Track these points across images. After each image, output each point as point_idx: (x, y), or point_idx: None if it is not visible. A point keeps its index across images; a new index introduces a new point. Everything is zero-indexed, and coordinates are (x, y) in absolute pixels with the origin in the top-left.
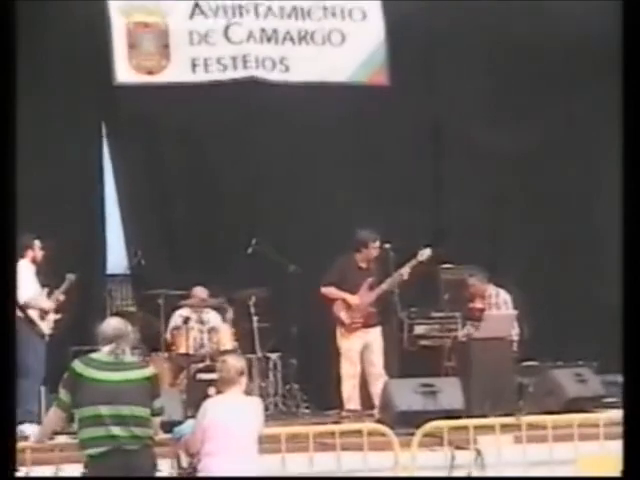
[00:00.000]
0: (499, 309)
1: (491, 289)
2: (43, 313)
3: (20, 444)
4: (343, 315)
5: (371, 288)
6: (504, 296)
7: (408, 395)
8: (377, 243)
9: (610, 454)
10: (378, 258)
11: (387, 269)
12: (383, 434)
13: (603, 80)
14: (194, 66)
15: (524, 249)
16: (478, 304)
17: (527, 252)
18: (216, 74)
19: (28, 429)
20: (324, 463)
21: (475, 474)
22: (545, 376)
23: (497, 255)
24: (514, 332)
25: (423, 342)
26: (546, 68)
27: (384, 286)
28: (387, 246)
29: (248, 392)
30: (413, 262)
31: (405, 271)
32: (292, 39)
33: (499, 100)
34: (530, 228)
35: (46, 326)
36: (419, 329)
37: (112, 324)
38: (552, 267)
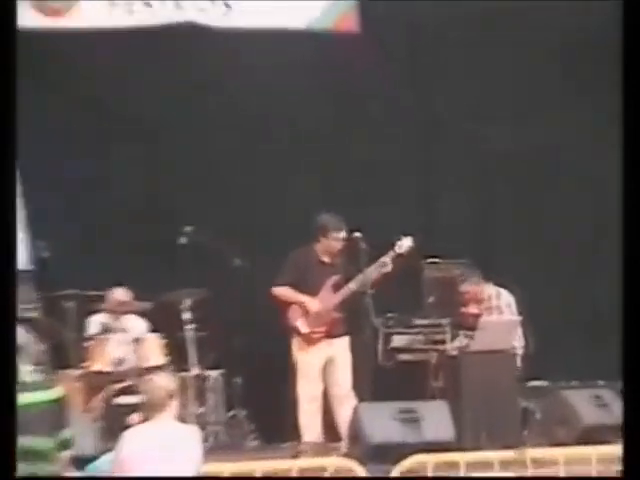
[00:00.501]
0: (500, 314)
1: (490, 289)
2: None
3: None
4: (301, 322)
5: (336, 288)
6: (507, 298)
7: (384, 423)
8: (343, 231)
9: None
10: (345, 250)
11: (357, 264)
12: (352, 472)
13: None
14: (112, 6)
15: (531, 240)
16: (473, 308)
17: (535, 243)
18: (140, 16)
19: None
20: None
21: None
22: (556, 399)
23: (497, 247)
24: (517, 343)
25: (402, 356)
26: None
27: (352, 285)
28: (356, 235)
29: (181, 419)
30: (390, 255)
31: (380, 266)
32: None
33: (485, 58)
34: (539, 213)
35: None
36: (397, 340)
37: None
38: (567, 263)
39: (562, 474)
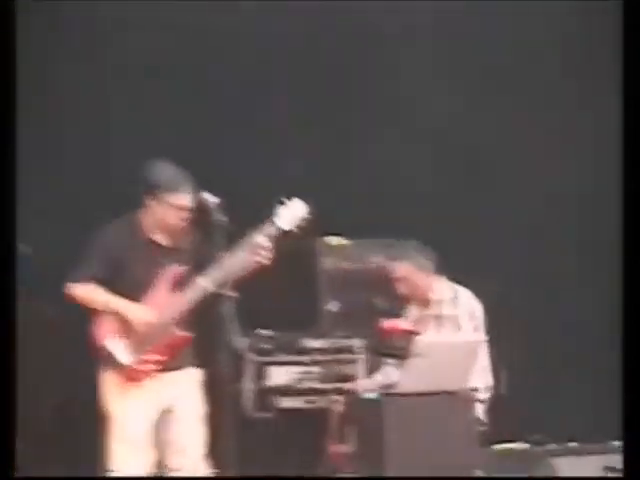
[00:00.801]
0: (455, 330)
1: (443, 286)
2: None
3: None
4: (117, 345)
5: (177, 286)
6: (468, 303)
7: None
8: (189, 193)
9: None
10: (192, 224)
11: (211, 247)
12: None
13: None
14: None
15: (511, 222)
16: (405, 321)
17: (517, 228)
18: None
19: None
20: None
21: None
22: (542, 470)
23: (456, 224)
24: (481, 382)
25: (286, 402)
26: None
27: (204, 282)
28: (210, 199)
29: None
30: (266, 231)
31: (249, 250)
32: None
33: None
34: (522, 182)
35: None
36: (278, 375)
37: None
38: (565, 260)
39: None
